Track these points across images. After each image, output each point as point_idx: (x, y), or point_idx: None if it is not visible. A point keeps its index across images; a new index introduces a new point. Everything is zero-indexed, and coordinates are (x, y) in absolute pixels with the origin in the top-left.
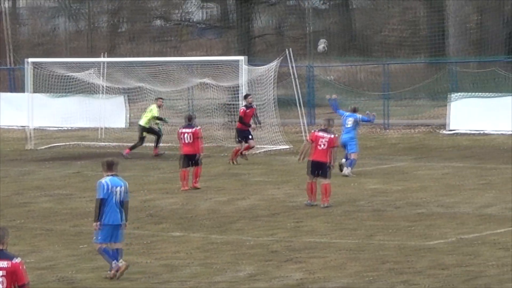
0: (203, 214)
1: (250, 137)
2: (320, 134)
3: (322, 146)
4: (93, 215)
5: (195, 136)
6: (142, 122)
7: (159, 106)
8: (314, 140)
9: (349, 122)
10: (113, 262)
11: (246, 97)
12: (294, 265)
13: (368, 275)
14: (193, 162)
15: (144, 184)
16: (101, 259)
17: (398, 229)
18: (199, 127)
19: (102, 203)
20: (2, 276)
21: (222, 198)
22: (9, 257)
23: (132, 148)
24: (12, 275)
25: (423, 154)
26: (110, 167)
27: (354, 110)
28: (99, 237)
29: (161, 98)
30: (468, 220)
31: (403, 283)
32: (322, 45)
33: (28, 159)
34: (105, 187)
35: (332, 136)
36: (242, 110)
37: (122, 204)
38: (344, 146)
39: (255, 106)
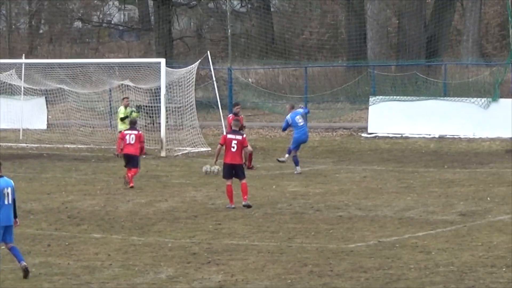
0: (123, 215)
1: None
2: (231, 136)
3: (234, 148)
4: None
5: (138, 139)
6: (119, 127)
7: (126, 106)
8: (226, 143)
9: (300, 120)
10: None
11: (235, 105)
12: (214, 267)
13: (288, 277)
14: (131, 163)
15: (64, 185)
16: None
17: (318, 232)
18: (141, 132)
19: None
20: None
21: (142, 200)
22: None
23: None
24: None
25: (343, 157)
26: None
27: (293, 107)
28: None
29: (127, 98)
30: (388, 223)
31: (323, 285)
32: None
33: None
34: None
35: (242, 136)
36: (231, 117)
37: (14, 203)
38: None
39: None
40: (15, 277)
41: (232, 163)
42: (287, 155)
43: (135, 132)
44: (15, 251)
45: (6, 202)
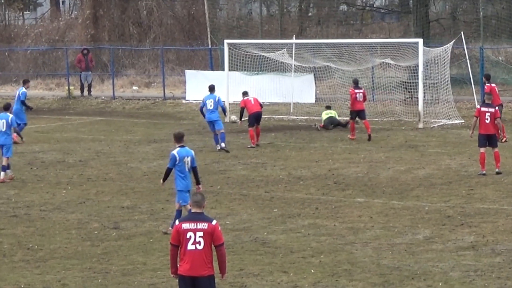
0: (384, 182)
1: None
2: (484, 109)
3: (488, 119)
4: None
5: None
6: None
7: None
8: (480, 115)
9: None
10: None
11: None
12: (467, 229)
13: None
14: None
15: (330, 154)
16: (291, 221)
17: None
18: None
19: (169, 172)
20: (200, 236)
21: (401, 167)
22: (207, 220)
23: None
24: (210, 236)
25: None
26: (180, 139)
27: None
28: (181, 200)
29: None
30: None
31: None
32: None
33: (226, 131)
34: (176, 157)
35: (494, 109)
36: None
37: (193, 170)
38: None
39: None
40: (286, 237)
41: (486, 133)
42: None
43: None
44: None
45: (185, 169)
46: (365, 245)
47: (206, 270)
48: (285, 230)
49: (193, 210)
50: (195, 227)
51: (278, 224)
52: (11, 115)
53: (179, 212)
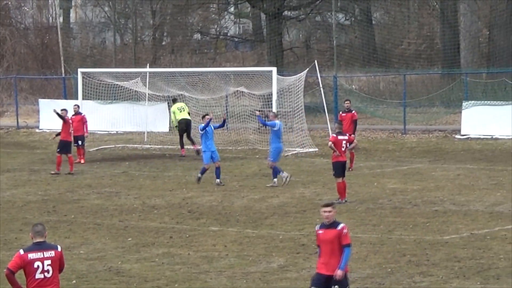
0: (238, 210)
1: None
2: (341, 137)
3: (344, 147)
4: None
5: None
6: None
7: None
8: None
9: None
10: None
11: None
12: None
13: (388, 266)
14: None
15: (184, 183)
16: (145, 250)
17: (415, 225)
18: None
19: None
20: (48, 265)
21: (256, 196)
22: (52, 247)
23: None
24: (58, 262)
25: (439, 156)
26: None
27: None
28: None
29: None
30: (480, 217)
31: (420, 274)
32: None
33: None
34: None
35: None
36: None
37: None
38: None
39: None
40: (140, 266)
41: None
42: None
43: None
44: None
45: None
46: (220, 273)
47: None
48: (139, 259)
49: (36, 240)
50: (42, 256)
51: (132, 253)
52: None
53: None
